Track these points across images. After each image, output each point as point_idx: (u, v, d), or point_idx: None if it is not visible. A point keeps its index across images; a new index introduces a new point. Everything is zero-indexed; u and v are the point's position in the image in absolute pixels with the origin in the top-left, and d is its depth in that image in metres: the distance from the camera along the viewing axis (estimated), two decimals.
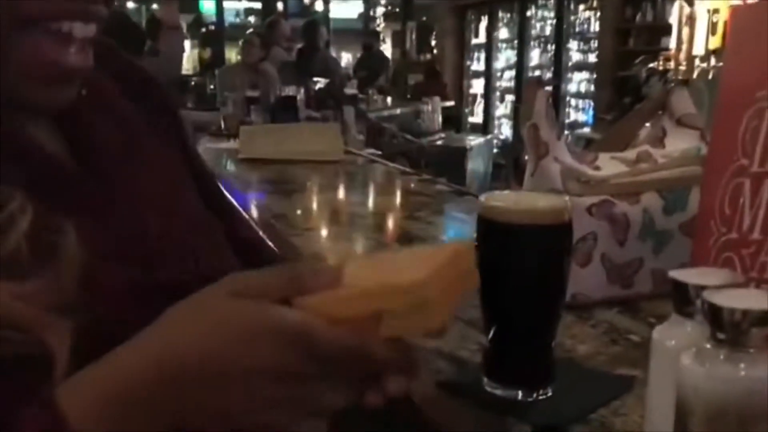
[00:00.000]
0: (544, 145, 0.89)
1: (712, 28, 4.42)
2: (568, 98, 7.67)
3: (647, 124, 1.05)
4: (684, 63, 4.70)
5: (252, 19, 13.30)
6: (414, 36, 9.71)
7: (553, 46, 7.73)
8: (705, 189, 0.62)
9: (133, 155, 0.61)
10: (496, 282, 0.61)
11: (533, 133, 0.90)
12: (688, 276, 0.48)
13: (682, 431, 0.42)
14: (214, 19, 11.66)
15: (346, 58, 14.67)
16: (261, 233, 0.98)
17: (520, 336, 0.65)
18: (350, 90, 4.86)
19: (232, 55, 12.26)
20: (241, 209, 0.81)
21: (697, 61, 4.48)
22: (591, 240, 0.87)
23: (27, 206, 0.44)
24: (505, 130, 8.73)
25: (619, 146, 1.01)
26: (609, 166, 0.93)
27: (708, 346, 0.41)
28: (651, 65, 5.48)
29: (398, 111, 6.23)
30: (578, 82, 7.55)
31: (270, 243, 1.04)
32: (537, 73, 8.15)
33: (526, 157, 0.95)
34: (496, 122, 8.98)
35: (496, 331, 0.64)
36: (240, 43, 5.03)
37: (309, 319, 0.42)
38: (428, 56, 9.04)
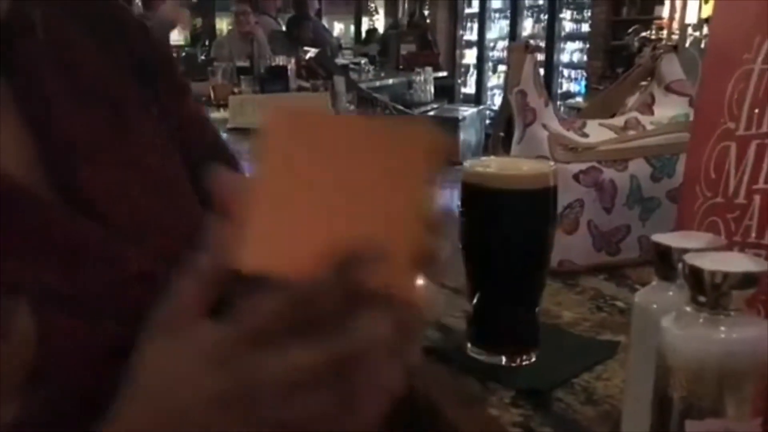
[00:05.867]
0: (531, 111, 0.89)
1: None
2: (560, 68, 7.63)
3: (637, 93, 1.04)
4: (677, 31, 4.68)
5: None
6: (406, 5, 9.60)
7: (546, 16, 7.67)
8: (691, 153, 0.62)
9: (110, 155, 0.50)
10: (481, 248, 0.61)
11: (521, 100, 0.89)
12: (671, 240, 0.47)
13: (662, 394, 0.42)
14: None
15: (339, 28, 14.51)
16: None
17: (504, 302, 0.64)
18: (341, 60, 4.81)
19: (223, 25, 12.12)
20: None
21: (689, 30, 4.46)
22: (578, 207, 0.87)
23: None
24: (498, 101, 8.69)
25: (607, 113, 1.01)
26: (597, 132, 0.92)
27: (688, 309, 0.41)
28: (644, 34, 5.44)
29: (390, 81, 6.18)
30: (571, 51, 7.50)
31: None
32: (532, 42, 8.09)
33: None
34: (489, 93, 8.92)
35: (480, 297, 0.64)
36: (233, 11, 4.97)
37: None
38: (420, 26, 8.94)
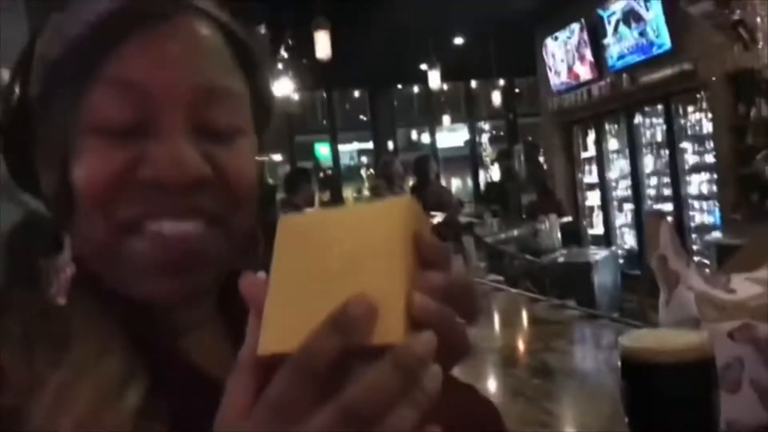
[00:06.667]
0: (674, 275, 0.92)
1: None
2: (689, 201, 7.44)
3: None
4: None
5: (364, 159, 14.04)
6: (522, 156, 9.86)
7: (667, 151, 7.62)
8: None
9: None
10: (646, 422, 0.64)
11: (662, 265, 0.93)
12: None
13: None
14: (330, 163, 12.38)
15: (456, 185, 15.00)
16: None
17: None
18: (464, 218, 4.96)
19: (348, 194, 12.89)
20: None
21: None
22: (737, 366, 0.87)
23: None
24: (629, 239, 8.52)
25: (750, 266, 1.02)
26: (743, 287, 0.94)
27: None
28: None
29: (515, 232, 6.26)
30: (698, 183, 7.33)
31: None
32: (653, 180, 7.99)
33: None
34: (618, 232, 8.78)
35: None
36: (366, 182, 5.33)
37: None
38: (538, 174, 9.10)
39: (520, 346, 1.69)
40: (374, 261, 0.40)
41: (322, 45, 6.18)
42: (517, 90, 13.70)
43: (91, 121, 0.50)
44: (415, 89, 13.81)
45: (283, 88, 7.48)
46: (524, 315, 2.11)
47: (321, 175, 11.74)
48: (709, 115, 6.89)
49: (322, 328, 0.37)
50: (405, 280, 0.39)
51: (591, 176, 9.22)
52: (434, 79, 9.30)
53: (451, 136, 14.38)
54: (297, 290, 0.40)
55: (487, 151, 14.43)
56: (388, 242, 0.40)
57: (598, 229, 9.13)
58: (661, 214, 0.89)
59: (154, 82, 0.50)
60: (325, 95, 12.12)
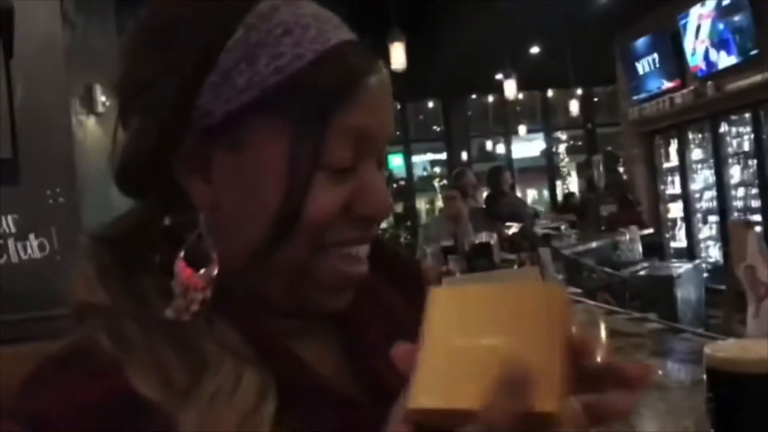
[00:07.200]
0: (763, 285, 0.89)
1: None
2: None
3: None
4: None
5: (438, 169, 14.02)
6: (601, 167, 9.64)
7: (755, 161, 7.30)
8: None
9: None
10: None
11: (750, 275, 0.90)
12: None
13: None
14: (403, 174, 12.42)
15: (532, 195, 14.78)
16: None
17: None
18: (539, 229, 4.88)
19: (421, 205, 12.89)
20: None
21: None
22: None
23: None
24: (714, 253, 8.19)
25: None
26: None
27: None
28: None
29: (594, 244, 6.12)
30: None
31: None
32: (740, 191, 7.68)
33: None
34: (702, 245, 8.46)
35: None
36: (442, 196, 5.34)
37: None
38: (618, 185, 8.87)
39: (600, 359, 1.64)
40: (532, 338, 0.43)
41: (397, 57, 6.22)
42: (595, 99, 13.42)
43: (322, 159, 0.55)
44: (490, 99, 13.71)
45: None
46: (604, 328, 2.06)
47: (394, 186, 11.78)
48: None
49: (496, 389, 0.40)
50: (561, 359, 0.42)
51: (674, 187, 8.92)
52: (510, 88, 9.21)
53: (527, 146, 14.19)
54: (449, 355, 0.44)
55: (565, 162, 14.17)
56: (548, 326, 0.43)
57: (681, 242, 8.82)
58: (748, 223, 0.86)
59: (375, 129, 0.57)
60: (399, 106, 12.20)
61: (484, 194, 5.94)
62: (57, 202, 3.30)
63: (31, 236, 3.17)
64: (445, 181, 11.00)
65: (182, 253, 0.54)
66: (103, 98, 3.66)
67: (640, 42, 8.67)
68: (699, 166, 8.39)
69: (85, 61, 3.60)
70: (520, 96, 11.17)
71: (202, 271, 0.54)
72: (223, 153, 0.55)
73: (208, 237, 0.55)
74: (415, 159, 13.17)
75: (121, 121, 0.59)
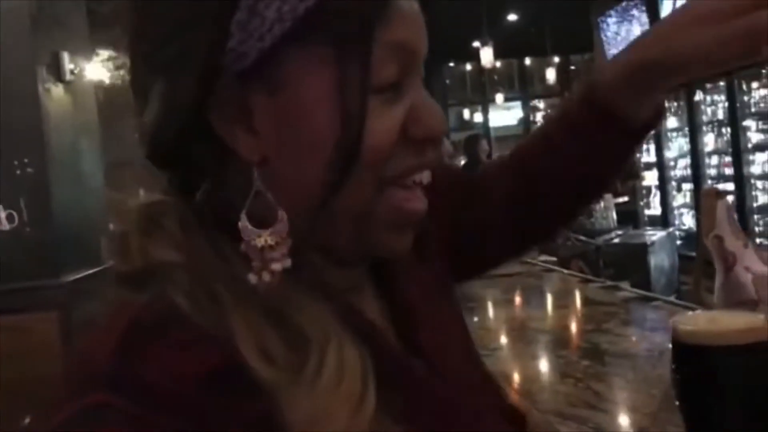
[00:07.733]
0: (731, 255, 0.89)
1: None
2: (752, 181, 7.20)
3: None
4: None
5: None
6: None
7: (729, 129, 7.36)
8: None
9: (434, 315, 0.64)
10: (699, 408, 0.62)
11: (718, 245, 0.90)
12: None
13: None
14: None
15: None
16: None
17: None
18: None
19: None
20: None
21: None
22: None
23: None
24: (687, 220, 8.29)
25: None
26: None
27: None
28: None
29: None
30: (762, 163, 7.08)
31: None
32: (714, 159, 7.76)
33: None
34: (676, 213, 8.56)
35: None
36: None
37: None
38: None
39: (572, 327, 1.66)
40: None
41: None
42: (572, 67, 13.42)
43: (371, 82, 0.49)
44: (468, 67, 13.65)
45: None
46: (577, 296, 2.08)
47: None
48: None
49: None
50: None
51: (648, 155, 8.99)
52: (487, 56, 9.17)
53: (505, 114, 14.20)
54: None
55: None
56: None
57: (655, 209, 8.92)
58: (718, 192, 0.86)
59: (416, 42, 0.53)
60: None
61: (461, 162, 5.94)
62: (25, 172, 3.24)
63: None
64: None
65: (244, 214, 0.49)
66: (71, 66, 3.57)
67: (617, 10, 8.65)
68: (674, 134, 8.45)
69: (52, 28, 3.50)
70: (498, 64, 11.14)
71: (269, 230, 0.49)
72: (264, 97, 0.50)
73: (267, 192, 0.50)
74: None
75: (136, 90, 0.53)
